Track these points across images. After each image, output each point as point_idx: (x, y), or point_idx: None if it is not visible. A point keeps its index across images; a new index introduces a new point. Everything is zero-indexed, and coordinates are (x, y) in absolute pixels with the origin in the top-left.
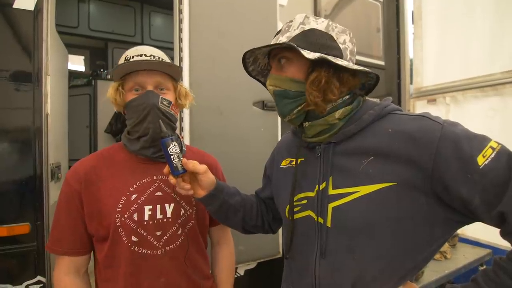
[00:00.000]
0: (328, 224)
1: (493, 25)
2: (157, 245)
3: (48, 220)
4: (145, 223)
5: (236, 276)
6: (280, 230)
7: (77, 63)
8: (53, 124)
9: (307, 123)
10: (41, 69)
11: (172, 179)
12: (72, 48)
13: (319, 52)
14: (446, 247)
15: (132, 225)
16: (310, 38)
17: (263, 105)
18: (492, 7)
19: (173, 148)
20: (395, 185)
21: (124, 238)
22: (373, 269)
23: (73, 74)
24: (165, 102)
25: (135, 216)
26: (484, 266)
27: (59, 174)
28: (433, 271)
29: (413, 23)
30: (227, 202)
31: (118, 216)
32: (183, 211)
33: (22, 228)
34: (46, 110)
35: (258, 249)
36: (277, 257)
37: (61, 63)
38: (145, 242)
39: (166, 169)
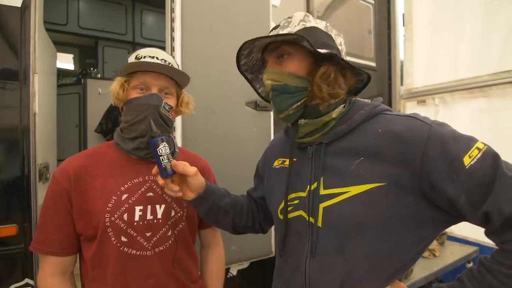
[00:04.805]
0: (319, 224)
1: (481, 29)
2: (146, 246)
3: (36, 221)
4: (135, 223)
5: (228, 276)
6: (272, 230)
7: (66, 62)
8: (41, 124)
9: (303, 120)
10: (28, 67)
11: (160, 180)
12: (61, 46)
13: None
14: (434, 245)
15: (122, 225)
16: (314, 35)
17: (256, 105)
18: (480, 12)
19: (163, 148)
20: (385, 185)
21: (113, 238)
22: (362, 268)
23: (62, 73)
24: (167, 107)
25: (125, 216)
26: (471, 263)
27: (48, 175)
28: (422, 268)
29: (404, 25)
30: (217, 204)
31: (107, 215)
32: (173, 213)
33: (9, 229)
34: (34, 109)
35: (251, 249)
36: (269, 256)
37: (49, 61)
38: (134, 243)
39: (155, 169)
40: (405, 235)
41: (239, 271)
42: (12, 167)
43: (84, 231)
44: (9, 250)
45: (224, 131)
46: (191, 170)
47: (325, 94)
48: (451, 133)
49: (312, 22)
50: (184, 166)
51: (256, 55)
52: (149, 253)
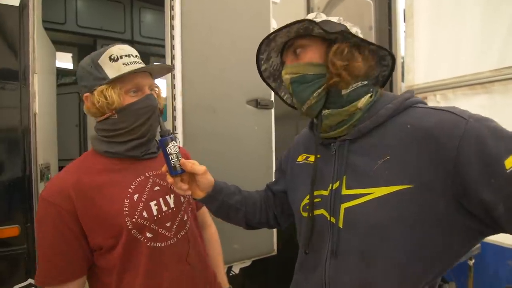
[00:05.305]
0: (340, 224)
1: (482, 25)
2: (169, 235)
3: None
4: (155, 218)
5: (231, 274)
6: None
7: (65, 61)
8: (41, 124)
9: (326, 110)
10: (27, 67)
11: (169, 179)
12: (60, 45)
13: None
14: None
15: (144, 223)
16: (326, 26)
17: (257, 103)
18: (482, 7)
19: (172, 147)
20: (412, 187)
21: (140, 237)
22: (384, 275)
23: (61, 72)
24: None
25: (144, 214)
26: (473, 260)
27: (49, 175)
28: None
29: (404, 21)
30: (227, 202)
31: (127, 219)
32: (182, 199)
33: (11, 230)
34: (34, 109)
35: (253, 247)
36: (271, 255)
37: (48, 61)
38: (158, 236)
39: (164, 168)
40: (433, 243)
41: (241, 270)
42: (13, 168)
43: (104, 243)
44: (11, 250)
45: (224, 129)
46: (200, 168)
47: (341, 70)
48: (492, 129)
49: (324, 17)
50: (193, 165)
51: (276, 60)
52: (172, 241)
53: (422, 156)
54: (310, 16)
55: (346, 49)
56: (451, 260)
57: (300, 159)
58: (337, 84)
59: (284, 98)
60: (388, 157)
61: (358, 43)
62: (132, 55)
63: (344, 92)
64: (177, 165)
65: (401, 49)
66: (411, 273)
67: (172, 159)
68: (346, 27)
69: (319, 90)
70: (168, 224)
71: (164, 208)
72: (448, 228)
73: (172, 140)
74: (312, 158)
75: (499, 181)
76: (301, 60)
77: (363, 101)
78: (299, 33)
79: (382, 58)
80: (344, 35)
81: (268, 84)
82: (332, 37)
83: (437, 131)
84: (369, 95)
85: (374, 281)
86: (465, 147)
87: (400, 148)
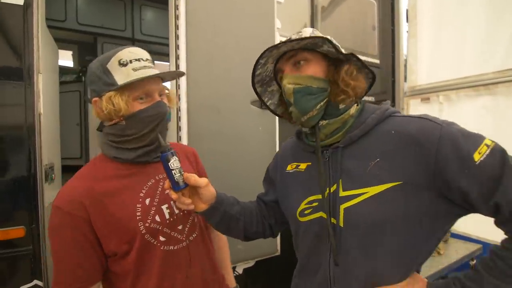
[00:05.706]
0: (341, 224)
1: (485, 26)
2: (181, 238)
3: (44, 223)
4: (167, 221)
5: (234, 274)
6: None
7: (65, 59)
8: (45, 123)
9: (324, 121)
10: (32, 66)
11: (173, 195)
12: (60, 42)
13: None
14: (440, 243)
15: (158, 227)
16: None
17: (261, 104)
18: (485, 8)
19: (174, 162)
20: (401, 184)
21: (154, 241)
22: (384, 265)
23: (61, 70)
24: (169, 110)
25: (157, 218)
26: (474, 261)
27: (53, 175)
28: (428, 266)
29: (407, 21)
30: (228, 212)
31: (140, 223)
32: None
33: (17, 231)
34: (39, 109)
35: (257, 247)
36: (275, 255)
37: (51, 60)
38: (171, 239)
39: (167, 184)
40: (422, 229)
41: (244, 270)
42: (18, 169)
43: (118, 249)
44: (17, 251)
45: (229, 130)
46: (203, 181)
47: (350, 89)
48: (461, 131)
49: (318, 34)
50: (195, 178)
51: (270, 66)
52: (185, 244)
53: (408, 157)
54: (308, 31)
55: (355, 71)
56: (434, 243)
57: (290, 168)
58: (342, 100)
59: (268, 104)
60: (378, 159)
61: (360, 67)
62: (142, 59)
63: (341, 106)
64: (180, 180)
65: (404, 49)
66: (406, 259)
67: (175, 174)
68: (339, 47)
69: (321, 103)
70: (180, 227)
71: (176, 211)
72: (433, 215)
73: (173, 156)
74: (302, 166)
75: (471, 171)
76: (303, 72)
77: (353, 110)
78: (306, 46)
79: (367, 76)
80: (349, 57)
81: (254, 88)
82: (335, 56)
83: (418, 136)
84: (356, 104)
85: (375, 272)
86: (443, 148)
87: (387, 151)
